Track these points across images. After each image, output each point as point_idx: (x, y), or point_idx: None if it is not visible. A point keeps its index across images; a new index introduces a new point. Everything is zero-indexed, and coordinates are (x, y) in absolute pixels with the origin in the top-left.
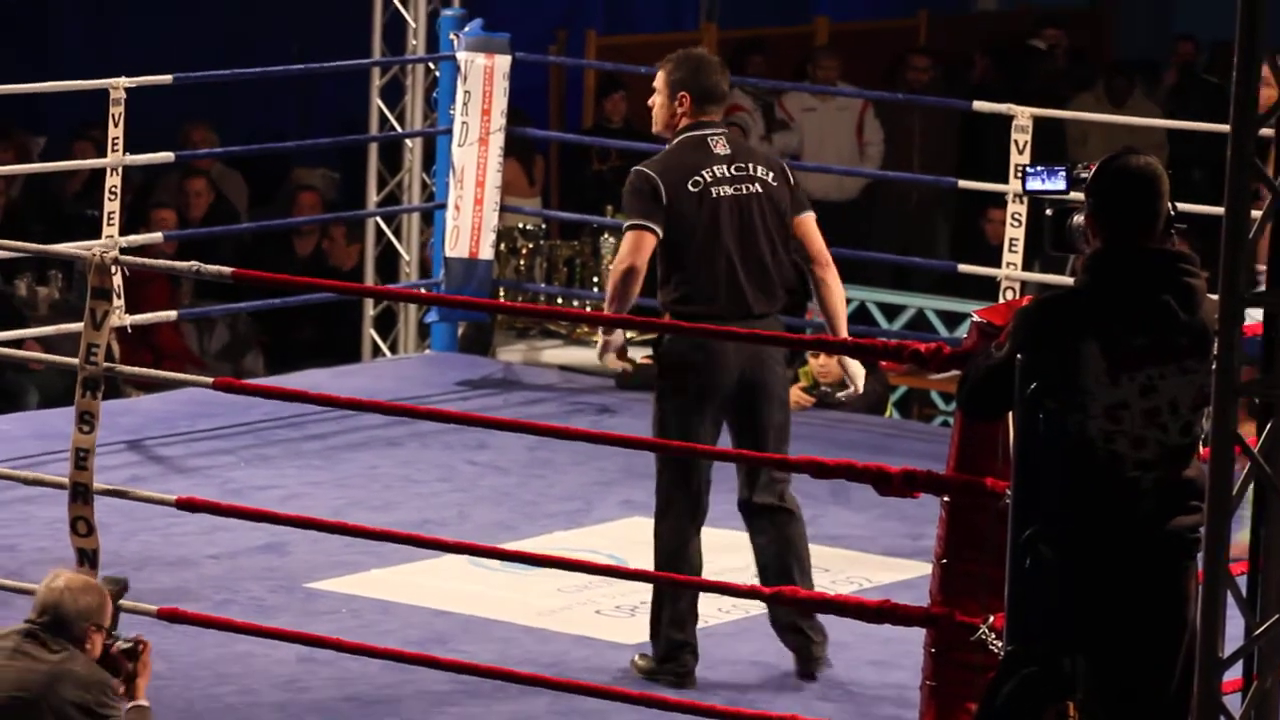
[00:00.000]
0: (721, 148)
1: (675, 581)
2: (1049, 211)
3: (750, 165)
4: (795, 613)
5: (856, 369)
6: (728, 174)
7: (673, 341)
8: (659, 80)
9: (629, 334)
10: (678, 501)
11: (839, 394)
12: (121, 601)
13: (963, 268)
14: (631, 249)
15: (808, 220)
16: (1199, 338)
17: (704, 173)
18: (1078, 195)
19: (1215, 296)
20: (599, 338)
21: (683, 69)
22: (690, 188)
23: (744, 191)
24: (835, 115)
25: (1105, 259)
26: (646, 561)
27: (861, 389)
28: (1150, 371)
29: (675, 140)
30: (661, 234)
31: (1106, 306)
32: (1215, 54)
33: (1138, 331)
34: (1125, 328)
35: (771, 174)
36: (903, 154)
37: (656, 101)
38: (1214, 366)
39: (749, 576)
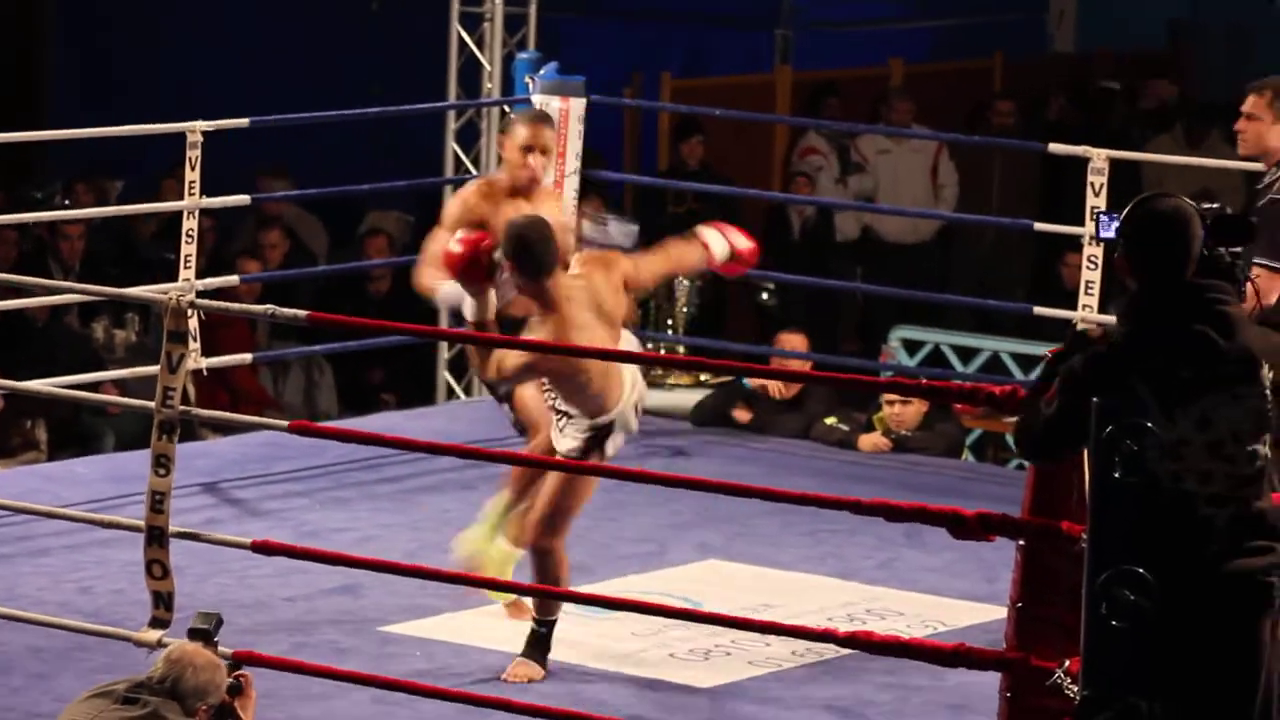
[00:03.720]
0: None
1: None
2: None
3: None
4: None
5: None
6: None
7: None
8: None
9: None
10: None
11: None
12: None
13: (1039, 310)
14: None
15: None
16: (1244, 362)
17: None
18: None
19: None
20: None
21: None
22: None
23: None
24: (910, 157)
25: (1138, 300)
26: (722, 604)
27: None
28: (1203, 403)
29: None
30: None
31: (1146, 345)
32: None
33: (1181, 364)
34: (1168, 363)
35: None
36: (981, 196)
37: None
38: None
39: (822, 620)
